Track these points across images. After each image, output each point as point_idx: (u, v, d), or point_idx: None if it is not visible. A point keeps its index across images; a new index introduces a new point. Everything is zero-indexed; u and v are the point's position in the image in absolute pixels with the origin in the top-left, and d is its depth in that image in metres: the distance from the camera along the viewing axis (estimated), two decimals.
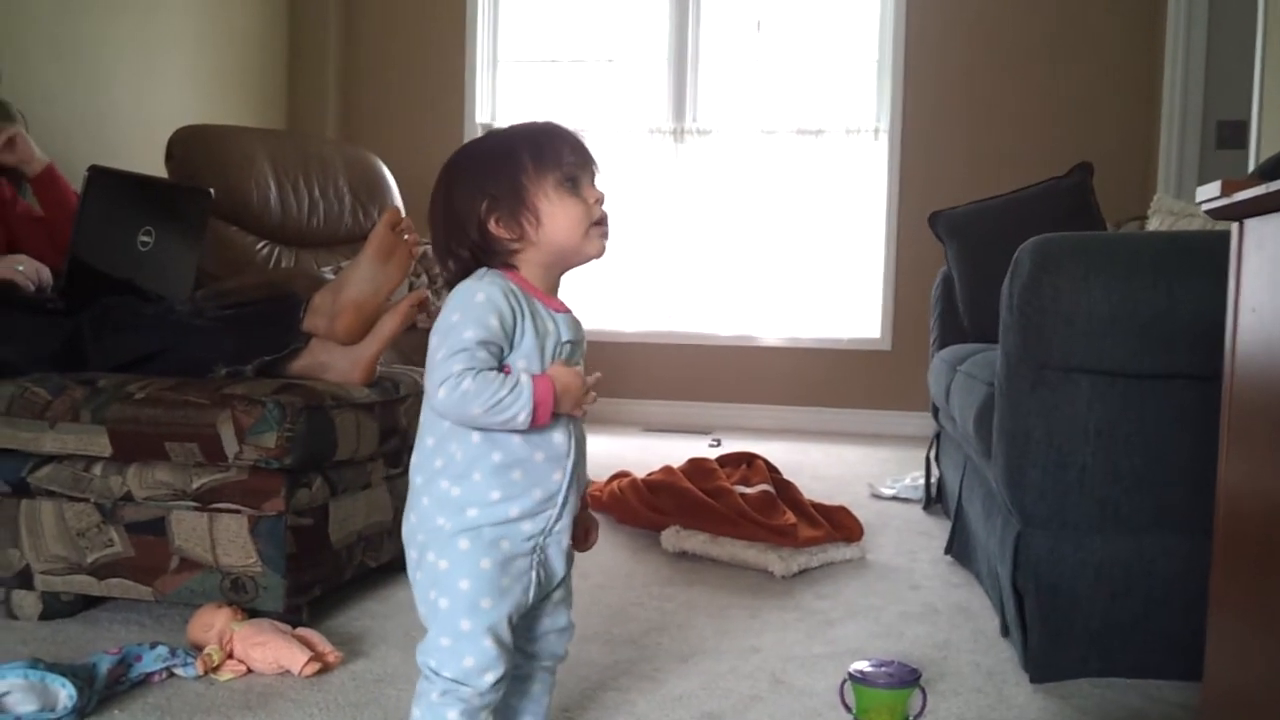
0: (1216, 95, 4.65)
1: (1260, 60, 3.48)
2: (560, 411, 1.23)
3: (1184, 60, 4.68)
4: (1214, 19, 4.63)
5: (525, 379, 1.20)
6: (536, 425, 1.22)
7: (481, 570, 1.23)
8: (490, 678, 1.22)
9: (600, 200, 1.30)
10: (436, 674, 1.22)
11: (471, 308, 1.22)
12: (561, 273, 1.33)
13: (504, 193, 1.26)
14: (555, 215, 1.27)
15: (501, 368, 1.23)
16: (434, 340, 1.22)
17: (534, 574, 1.28)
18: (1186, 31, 4.67)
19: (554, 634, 1.39)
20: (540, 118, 1.36)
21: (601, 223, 1.30)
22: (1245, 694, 1.17)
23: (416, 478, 1.29)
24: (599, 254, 1.31)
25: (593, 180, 1.31)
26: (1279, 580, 1.07)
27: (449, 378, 1.18)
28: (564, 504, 1.28)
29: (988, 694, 1.81)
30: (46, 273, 2.47)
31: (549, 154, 1.28)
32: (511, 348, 1.24)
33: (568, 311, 1.32)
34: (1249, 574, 1.18)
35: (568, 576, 1.35)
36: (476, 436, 1.24)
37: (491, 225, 1.27)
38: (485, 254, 1.28)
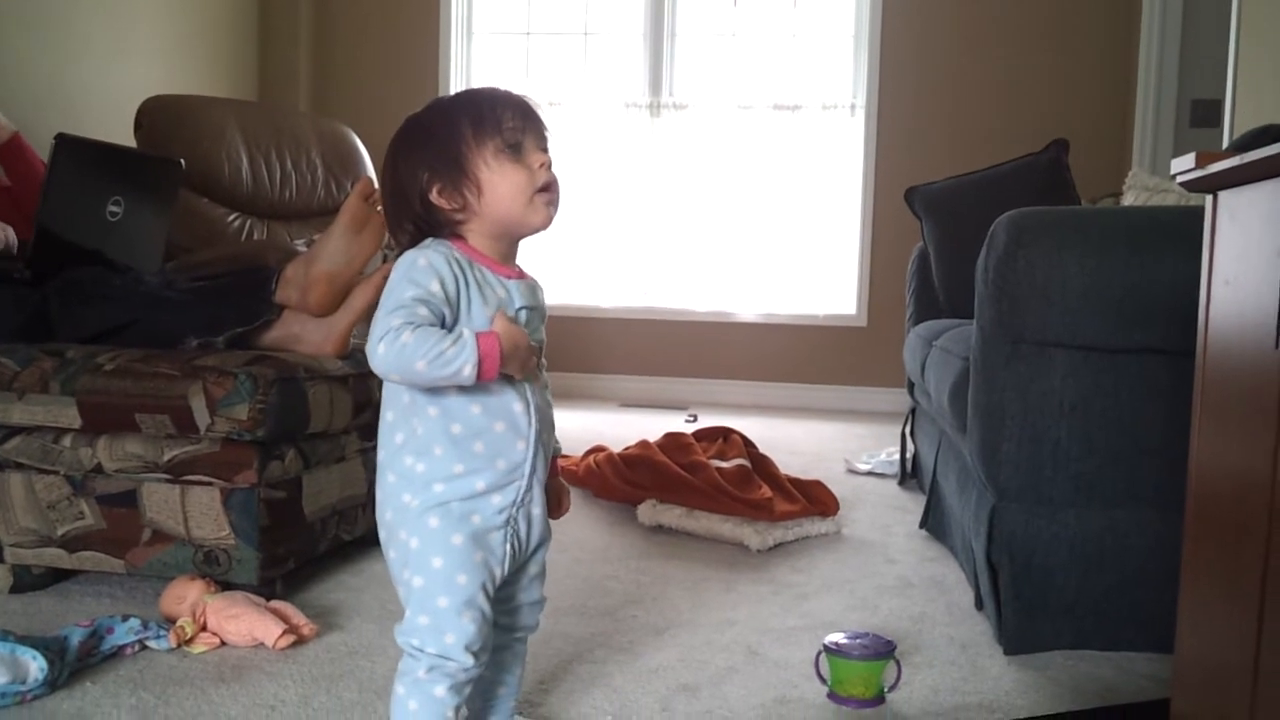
0: (1191, 74, 4.67)
1: (1235, 39, 3.49)
2: (507, 370, 1.20)
3: (1159, 38, 4.69)
4: None
5: (468, 333, 1.17)
6: (484, 379, 1.18)
7: (453, 546, 1.22)
8: (473, 652, 1.22)
9: (546, 165, 1.26)
10: (421, 651, 1.21)
11: (413, 271, 1.20)
12: (513, 242, 1.30)
13: (444, 163, 1.24)
14: (496, 184, 1.24)
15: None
16: (379, 305, 1.20)
17: (507, 546, 1.27)
18: (1162, 10, 4.68)
19: (527, 606, 1.38)
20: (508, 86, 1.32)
21: (548, 189, 1.26)
22: (1216, 667, 1.19)
23: (380, 453, 1.28)
24: (544, 223, 1.28)
25: (540, 145, 1.27)
26: (1249, 554, 1.07)
27: (388, 331, 1.15)
28: (531, 473, 1.27)
29: (962, 666, 1.82)
30: (12, 233, 2.44)
31: (489, 120, 1.25)
32: (457, 317, 1.22)
33: (523, 278, 1.30)
34: (1220, 548, 1.18)
35: (542, 548, 1.35)
36: (434, 410, 1.23)
37: (434, 196, 1.25)
38: (430, 225, 1.27)
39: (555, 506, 1.38)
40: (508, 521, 1.26)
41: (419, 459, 1.24)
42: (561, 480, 1.41)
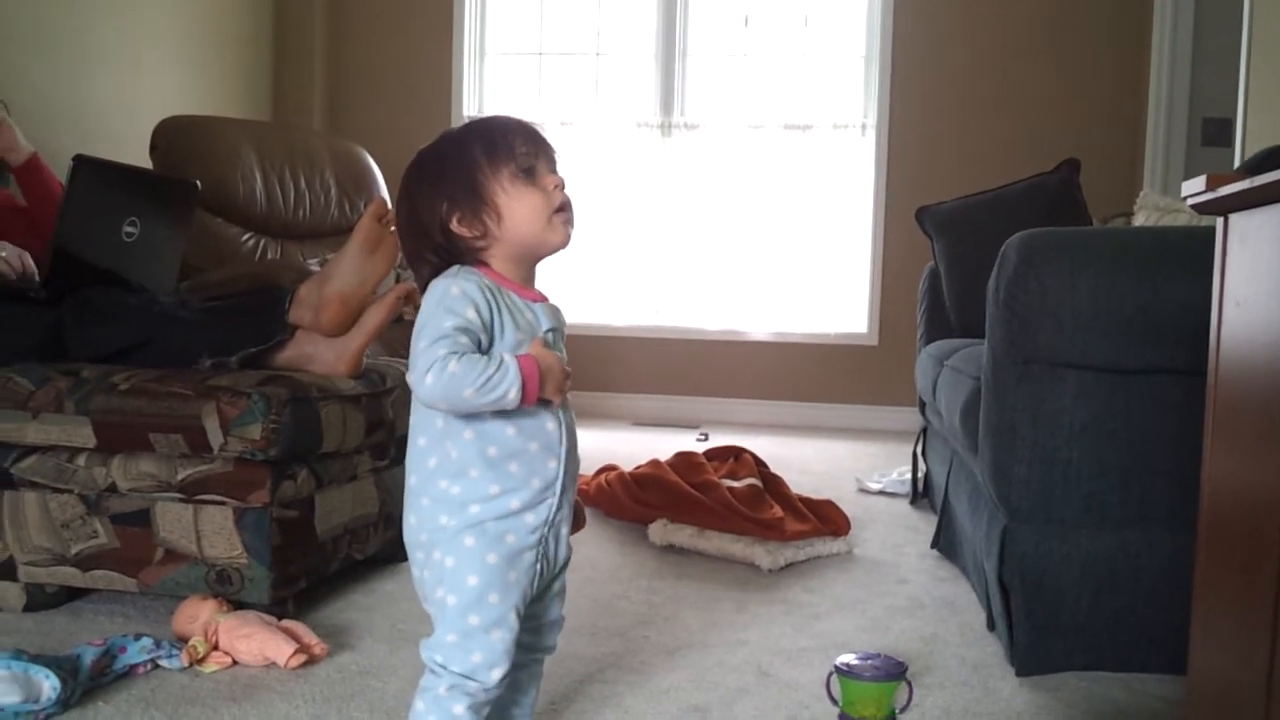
0: (1202, 93, 4.67)
1: (1246, 58, 3.50)
2: (544, 394, 1.23)
3: (1170, 57, 4.70)
4: (1200, 16, 4.65)
5: (509, 357, 1.20)
6: (525, 403, 1.21)
7: (489, 565, 1.23)
8: (498, 673, 1.23)
9: (560, 186, 1.30)
10: (444, 669, 1.23)
11: (448, 300, 1.22)
12: (532, 264, 1.33)
13: (462, 192, 1.27)
14: (514, 208, 1.27)
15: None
16: (415, 339, 1.23)
17: (538, 566, 1.28)
18: (1173, 29, 4.69)
19: (547, 626, 1.39)
20: (519, 112, 1.35)
21: (564, 209, 1.29)
22: (1229, 688, 1.18)
23: (411, 478, 1.29)
24: (563, 243, 1.30)
25: (551, 167, 1.31)
26: (1263, 574, 1.07)
27: (435, 362, 1.18)
28: (562, 492, 1.29)
29: (974, 687, 1.82)
30: (29, 260, 2.45)
31: (501, 147, 1.28)
32: (492, 342, 1.24)
33: (544, 300, 1.33)
34: (1233, 568, 1.18)
35: (565, 567, 1.36)
36: (469, 433, 1.24)
37: (454, 225, 1.27)
38: (452, 254, 1.29)
39: (573, 524, 1.40)
40: (540, 541, 1.27)
41: (454, 482, 1.25)
42: (576, 499, 1.42)
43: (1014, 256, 1.84)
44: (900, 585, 2.45)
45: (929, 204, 3.43)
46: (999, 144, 5.12)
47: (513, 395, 1.19)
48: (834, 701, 1.69)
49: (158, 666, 1.80)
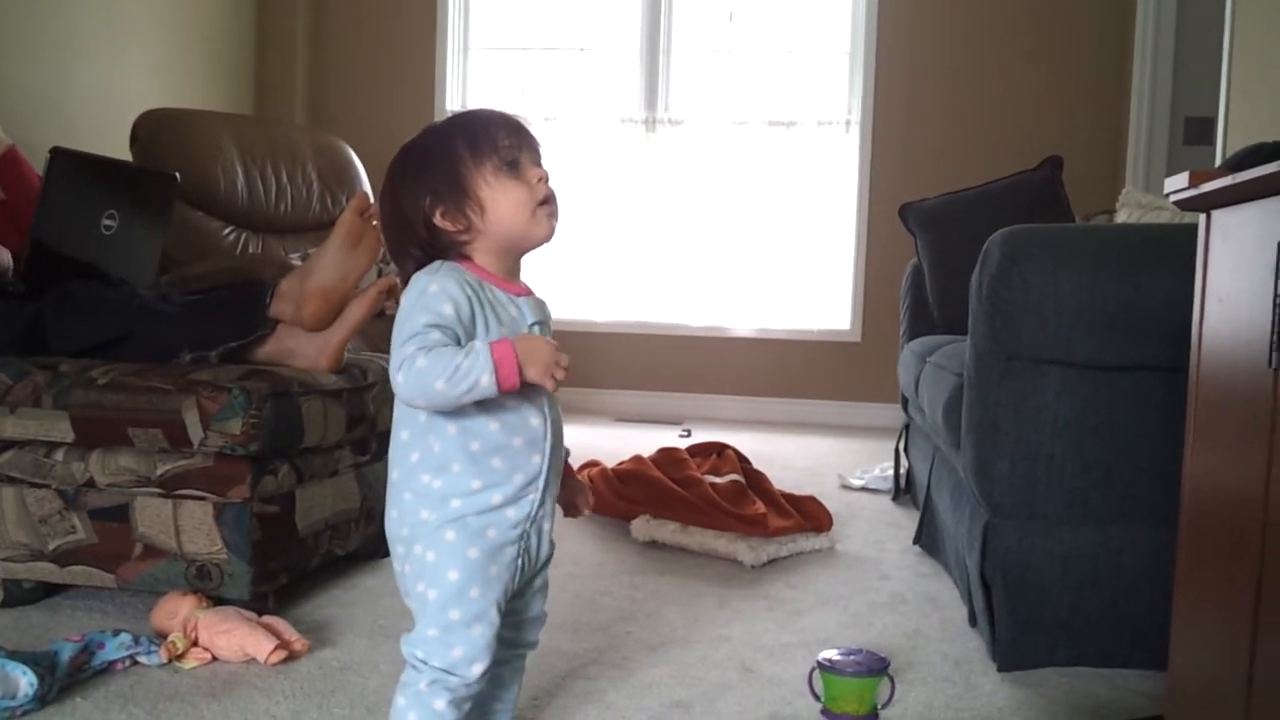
0: (1185, 91, 4.69)
1: (1228, 57, 3.51)
2: (529, 378, 1.19)
3: (1153, 56, 4.72)
4: (1183, 15, 4.67)
5: (480, 343, 1.18)
6: (507, 389, 1.18)
7: (469, 560, 1.23)
8: (479, 667, 1.23)
9: (544, 179, 1.29)
10: (425, 664, 1.22)
11: (425, 298, 1.21)
12: (517, 258, 1.32)
13: (445, 186, 1.26)
14: (498, 201, 1.26)
15: None
16: (393, 336, 1.22)
17: (519, 561, 1.28)
18: (1155, 27, 4.71)
19: (529, 621, 1.39)
20: (503, 107, 1.35)
21: (548, 201, 1.29)
22: (1209, 683, 1.18)
23: (393, 473, 1.29)
24: (548, 236, 1.30)
25: (535, 160, 1.30)
26: (1243, 571, 1.07)
27: (404, 360, 1.18)
28: (545, 487, 1.28)
29: (955, 683, 1.82)
30: (6, 255, 2.43)
31: (484, 140, 1.27)
32: (473, 339, 1.23)
33: (529, 294, 1.32)
34: (1214, 564, 1.18)
35: (548, 563, 1.36)
36: (453, 428, 1.23)
37: (438, 219, 1.26)
38: (436, 248, 1.28)
39: (584, 505, 1.42)
40: (521, 536, 1.27)
41: (436, 476, 1.24)
42: (578, 479, 1.43)
43: (997, 253, 1.84)
44: (882, 581, 2.45)
45: (912, 201, 3.44)
46: (982, 141, 5.13)
47: (485, 380, 1.16)
48: (816, 697, 1.69)
49: (136, 663, 1.78)
